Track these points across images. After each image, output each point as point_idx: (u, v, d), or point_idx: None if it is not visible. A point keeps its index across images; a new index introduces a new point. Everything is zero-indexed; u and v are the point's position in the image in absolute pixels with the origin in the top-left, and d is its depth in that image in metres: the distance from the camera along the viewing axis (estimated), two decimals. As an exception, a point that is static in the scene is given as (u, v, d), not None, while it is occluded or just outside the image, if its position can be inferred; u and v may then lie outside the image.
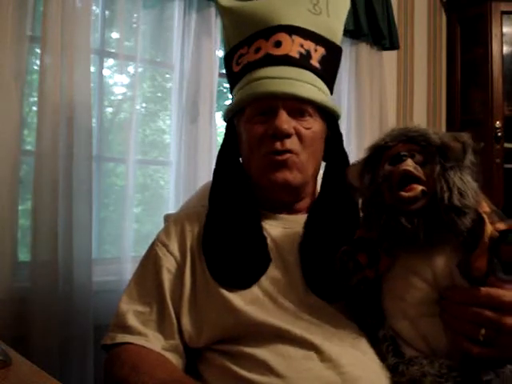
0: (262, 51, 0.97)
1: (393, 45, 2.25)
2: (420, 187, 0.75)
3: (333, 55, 1.02)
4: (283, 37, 0.96)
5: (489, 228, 0.74)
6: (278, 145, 0.92)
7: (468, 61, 2.71)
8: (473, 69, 2.69)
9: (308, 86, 0.95)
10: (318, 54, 0.98)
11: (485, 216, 0.75)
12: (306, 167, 0.96)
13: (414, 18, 2.63)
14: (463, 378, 0.74)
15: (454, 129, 2.71)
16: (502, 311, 0.74)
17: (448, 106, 2.78)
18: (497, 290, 0.75)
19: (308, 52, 0.97)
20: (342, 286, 0.85)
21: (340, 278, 0.83)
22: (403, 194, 0.75)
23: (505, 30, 2.54)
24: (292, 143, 0.93)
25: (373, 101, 2.24)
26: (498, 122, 2.50)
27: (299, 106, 0.94)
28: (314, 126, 0.96)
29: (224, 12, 1.04)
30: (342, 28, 1.06)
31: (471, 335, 0.75)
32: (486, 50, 2.54)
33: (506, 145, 2.53)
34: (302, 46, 0.96)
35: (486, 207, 0.78)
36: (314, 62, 0.97)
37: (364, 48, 2.19)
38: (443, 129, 2.76)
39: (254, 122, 0.95)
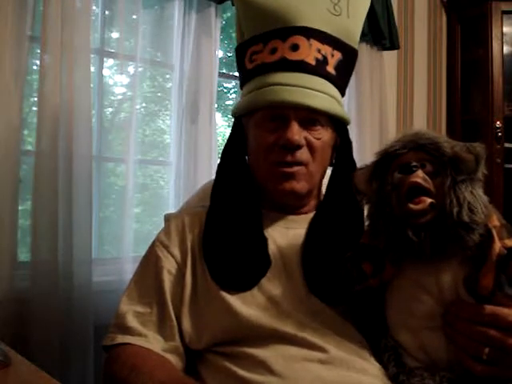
0: (278, 53, 0.95)
1: (393, 45, 2.25)
2: (429, 200, 0.73)
3: (349, 59, 1.01)
4: (301, 40, 0.94)
5: (497, 245, 0.72)
6: (288, 157, 0.92)
7: (468, 61, 2.71)
8: (473, 69, 2.69)
9: (321, 95, 0.93)
10: (334, 59, 0.97)
11: (494, 232, 0.73)
12: (315, 177, 0.96)
13: (414, 18, 2.63)
14: None
15: (455, 129, 2.71)
16: (508, 331, 0.73)
17: (448, 106, 2.78)
18: (503, 309, 0.73)
19: (325, 57, 0.96)
20: (344, 293, 0.84)
21: (343, 285, 0.83)
22: (412, 206, 0.73)
23: (505, 29, 2.54)
24: (302, 154, 0.93)
25: (373, 101, 2.24)
26: (498, 122, 2.50)
27: (311, 116, 0.93)
28: (324, 135, 0.95)
29: (240, 3, 1.01)
30: (360, 29, 1.04)
31: (475, 353, 0.74)
32: (486, 50, 2.54)
33: (507, 145, 2.53)
34: (319, 51, 0.95)
35: (495, 221, 0.75)
36: (330, 69, 0.97)
37: (364, 48, 2.19)
38: (443, 129, 2.77)
39: (263, 129, 0.95)
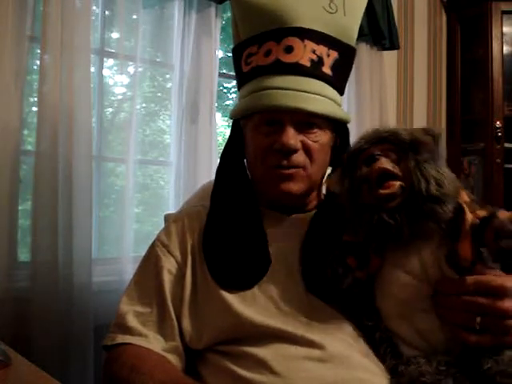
0: (272, 56, 0.94)
1: (393, 45, 2.25)
2: (398, 183, 0.76)
3: (346, 58, 1.00)
4: (295, 42, 0.93)
5: (469, 216, 0.75)
6: (284, 161, 0.91)
7: (468, 61, 2.72)
8: (473, 69, 2.69)
9: (318, 98, 0.92)
10: (330, 59, 0.96)
11: (464, 205, 0.77)
12: (313, 179, 0.96)
13: (414, 18, 2.63)
14: (462, 372, 0.75)
15: (455, 129, 2.71)
16: (494, 296, 0.74)
17: (448, 106, 2.78)
18: (486, 276, 0.75)
19: (320, 58, 0.94)
20: (336, 291, 0.85)
21: (332, 283, 0.84)
22: (382, 191, 0.76)
23: (505, 29, 2.54)
24: (298, 158, 0.92)
25: (373, 101, 2.25)
26: (498, 122, 2.50)
27: (308, 119, 0.93)
28: (321, 138, 0.95)
29: (235, 4, 1.01)
30: (357, 27, 1.02)
31: (467, 324, 0.75)
32: (486, 50, 2.54)
33: (506, 145, 2.53)
34: (314, 51, 0.94)
35: (465, 197, 0.79)
36: (326, 69, 0.95)
37: (364, 48, 2.19)
38: (443, 129, 2.76)
39: (260, 132, 0.94)
